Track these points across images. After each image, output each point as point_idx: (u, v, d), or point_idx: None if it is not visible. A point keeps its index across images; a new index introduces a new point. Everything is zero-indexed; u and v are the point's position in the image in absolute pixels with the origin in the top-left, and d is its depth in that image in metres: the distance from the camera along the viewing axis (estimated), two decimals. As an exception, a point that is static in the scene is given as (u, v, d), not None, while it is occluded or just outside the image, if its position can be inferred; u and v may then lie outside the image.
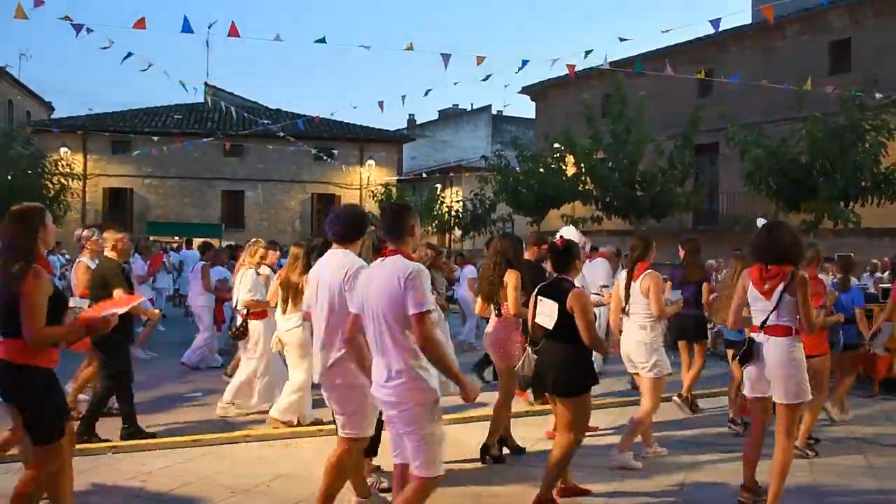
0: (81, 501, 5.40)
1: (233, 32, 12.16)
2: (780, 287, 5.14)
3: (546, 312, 5.40)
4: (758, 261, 5.31)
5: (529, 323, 5.75)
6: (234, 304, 8.82)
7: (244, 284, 8.34)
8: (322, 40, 12.83)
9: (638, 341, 6.65)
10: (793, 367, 5.15)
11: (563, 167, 23.74)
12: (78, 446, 6.66)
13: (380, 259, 4.27)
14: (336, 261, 4.81)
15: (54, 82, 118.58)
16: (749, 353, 5.29)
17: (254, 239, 9.02)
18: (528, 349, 5.66)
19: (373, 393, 4.22)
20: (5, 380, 4.22)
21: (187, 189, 33.82)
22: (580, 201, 22.81)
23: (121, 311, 4.83)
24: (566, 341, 5.31)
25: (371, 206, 32.73)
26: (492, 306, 6.71)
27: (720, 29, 11.70)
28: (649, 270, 6.80)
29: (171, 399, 9.07)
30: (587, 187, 22.10)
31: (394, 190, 32.79)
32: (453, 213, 32.36)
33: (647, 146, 20.44)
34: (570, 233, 7.21)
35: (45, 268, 4.33)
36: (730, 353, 7.97)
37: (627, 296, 6.85)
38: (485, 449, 6.54)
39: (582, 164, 21.76)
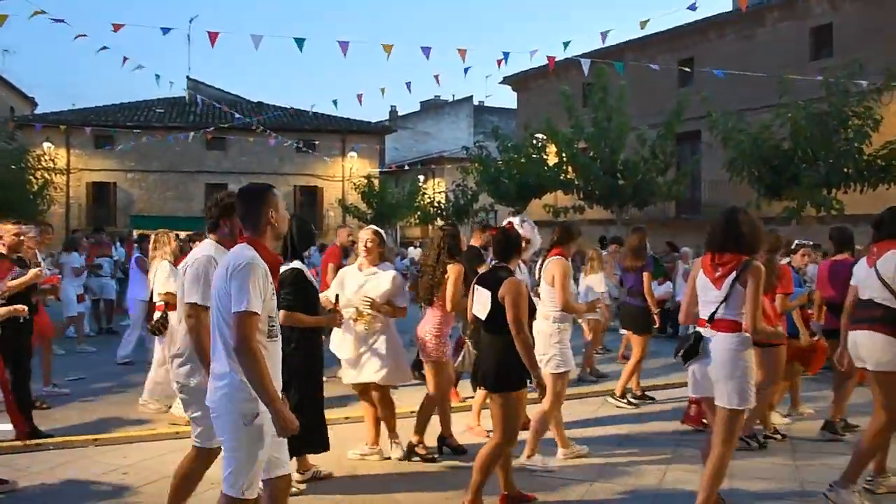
0: (58, 494, 5.52)
1: (212, 38, 12.33)
2: (732, 276, 4.68)
3: (481, 302, 5.13)
4: (711, 248, 4.86)
5: (468, 314, 5.49)
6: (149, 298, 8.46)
7: (160, 276, 7.94)
8: (301, 41, 12.79)
9: (538, 331, 6.09)
10: (737, 368, 4.64)
11: (545, 157, 23.87)
12: (61, 439, 6.92)
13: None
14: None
15: (38, 78, 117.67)
16: (694, 349, 4.78)
17: (163, 230, 8.79)
18: (468, 344, 5.56)
19: None
20: None
21: (170, 182, 33.87)
22: (562, 191, 22.91)
23: None
24: (499, 333, 5.01)
25: (354, 198, 32.94)
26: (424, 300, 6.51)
27: (701, 17, 11.84)
28: (557, 257, 6.41)
29: (128, 394, 8.90)
30: (569, 177, 22.13)
31: (376, 181, 32.93)
32: (436, 204, 32.53)
33: (628, 135, 20.47)
34: (517, 224, 6.66)
35: None
36: None
37: (536, 283, 6.54)
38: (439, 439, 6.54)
39: (563, 154, 21.81)
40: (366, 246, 6.36)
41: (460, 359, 5.73)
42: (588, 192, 21.47)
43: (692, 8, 11.43)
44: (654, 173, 20.67)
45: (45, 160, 27.26)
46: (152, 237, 8.24)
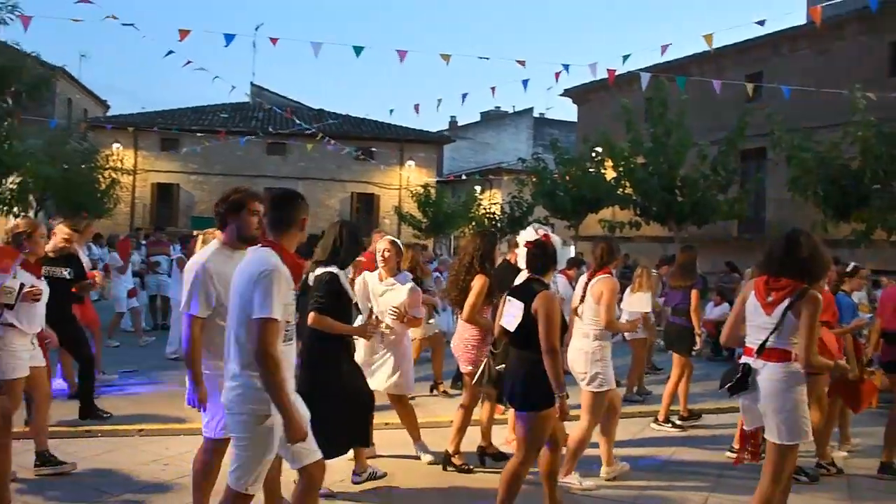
0: (103, 479, 5.68)
1: (274, 41, 12.63)
2: (786, 303, 4.42)
3: (511, 313, 4.92)
4: (767, 271, 4.62)
5: (495, 327, 5.33)
6: None
7: None
8: (359, 48, 12.96)
9: (578, 349, 6.10)
10: (787, 401, 4.41)
11: (603, 171, 23.65)
12: (109, 427, 7.12)
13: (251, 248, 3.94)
14: None
15: (111, 82, 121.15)
16: (743, 384, 4.52)
17: (210, 230, 8.74)
18: (489, 359, 5.36)
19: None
20: None
21: (231, 185, 34.36)
22: (619, 206, 22.63)
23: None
24: (528, 348, 4.81)
25: (410, 207, 33.09)
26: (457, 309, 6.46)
27: (773, 31, 11.45)
28: (607, 276, 6.26)
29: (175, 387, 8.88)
30: (626, 192, 21.79)
31: (433, 191, 33.05)
32: (490, 215, 32.48)
33: (688, 150, 19.99)
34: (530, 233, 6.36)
35: None
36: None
37: (583, 298, 6.32)
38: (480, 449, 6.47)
39: (620, 168, 21.48)
40: (383, 256, 6.39)
41: (478, 375, 5.52)
42: (645, 209, 21.10)
43: (760, 23, 11.22)
44: (714, 190, 20.14)
45: (113, 160, 27.99)
46: (200, 237, 8.31)
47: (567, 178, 24.48)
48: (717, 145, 20.32)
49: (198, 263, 4.37)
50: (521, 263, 5.23)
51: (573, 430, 6.04)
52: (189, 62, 14.53)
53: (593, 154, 23.90)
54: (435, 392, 9.44)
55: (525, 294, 4.92)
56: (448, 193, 34.85)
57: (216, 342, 4.18)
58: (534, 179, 26.31)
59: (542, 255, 5.06)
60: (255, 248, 3.83)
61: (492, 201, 35.32)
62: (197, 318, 4.29)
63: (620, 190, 22.02)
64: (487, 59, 13.43)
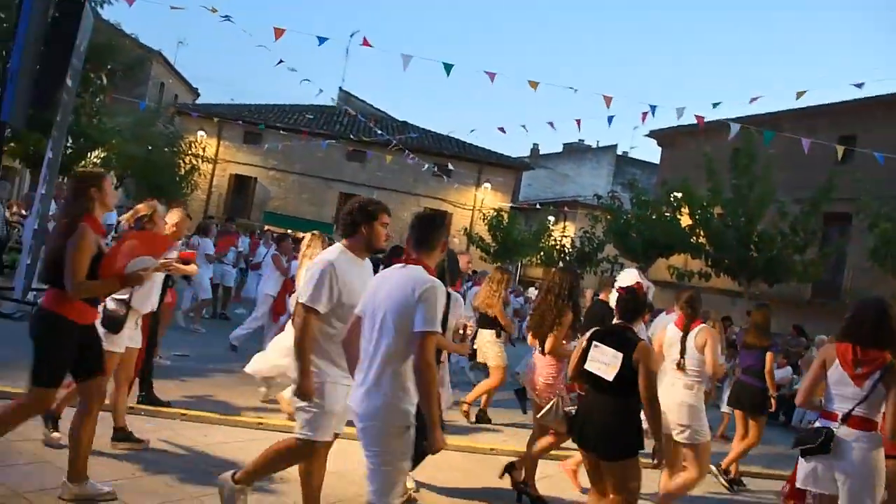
0: (140, 459, 5.69)
1: (365, 44, 12.72)
2: (877, 375, 4.47)
3: (604, 361, 4.84)
4: (852, 340, 4.60)
5: (573, 366, 5.16)
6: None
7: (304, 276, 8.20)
8: (449, 66, 12.93)
9: (681, 402, 6.06)
10: (877, 475, 4.47)
11: (679, 217, 23.30)
12: (151, 407, 7.17)
13: (398, 265, 4.02)
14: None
15: (204, 71, 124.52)
16: (825, 448, 4.54)
17: (315, 231, 8.74)
18: (560, 397, 5.33)
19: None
20: (35, 324, 4.64)
21: (307, 186, 34.92)
22: (690, 254, 22.26)
23: (153, 263, 5.11)
24: (620, 396, 4.79)
25: (480, 229, 33.03)
26: (537, 341, 6.41)
27: (867, 95, 11.31)
28: (705, 326, 6.38)
29: (224, 377, 9.22)
30: (700, 240, 21.49)
31: (505, 216, 32.92)
32: (559, 247, 32.21)
33: (769, 206, 19.60)
34: (629, 276, 6.41)
35: (95, 229, 4.70)
36: None
37: (683, 349, 6.23)
38: (519, 487, 6.29)
39: (697, 216, 21.21)
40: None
41: (546, 410, 5.42)
42: (717, 260, 20.69)
43: (859, 86, 10.94)
44: (791, 250, 19.67)
45: (195, 146, 28.58)
46: (307, 237, 8.35)
47: (641, 219, 24.17)
48: (800, 204, 19.87)
49: (326, 261, 4.34)
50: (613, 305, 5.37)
51: (677, 478, 6.09)
52: (281, 61, 14.77)
53: (671, 198, 23.56)
54: (476, 419, 9.23)
55: (621, 343, 4.86)
56: (521, 220, 34.70)
57: (320, 341, 4.27)
58: (608, 217, 26.05)
59: (633, 303, 5.12)
60: (406, 265, 3.93)
61: (563, 234, 35.07)
62: (314, 311, 4.24)
63: (694, 238, 21.66)
64: (575, 90, 13.33)
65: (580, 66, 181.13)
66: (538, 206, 36.91)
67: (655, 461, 4.83)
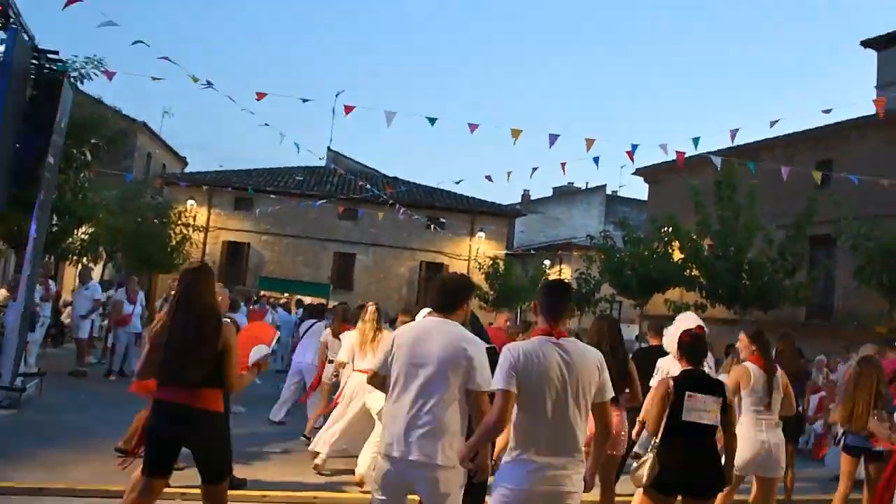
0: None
1: (347, 110, 12.72)
2: None
3: (705, 409, 5.09)
4: None
5: (657, 418, 5.21)
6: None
7: (345, 343, 8.79)
8: (433, 119, 13.03)
9: (777, 442, 6.33)
10: None
11: (670, 251, 23.31)
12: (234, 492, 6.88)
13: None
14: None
15: (190, 139, 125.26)
16: None
17: (374, 303, 8.87)
18: (654, 452, 5.14)
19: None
20: (209, 427, 4.63)
21: (301, 248, 34.85)
22: (684, 287, 22.24)
23: (268, 350, 5.24)
24: (713, 437, 5.17)
25: (477, 278, 32.87)
26: None
27: (840, 119, 11.51)
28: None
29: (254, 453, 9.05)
30: (693, 273, 21.52)
31: (502, 263, 32.81)
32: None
33: (756, 234, 19.77)
34: (689, 320, 6.64)
35: None
36: (846, 460, 7.39)
37: (770, 390, 6.36)
38: None
39: (686, 250, 21.27)
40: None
41: (642, 467, 5.14)
42: (711, 291, 20.73)
43: (827, 112, 11.07)
44: (780, 275, 19.83)
45: (185, 216, 28.46)
46: (370, 308, 8.48)
47: (634, 256, 24.13)
48: (785, 229, 20.08)
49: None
50: (669, 348, 5.96)
51: None
52: (267, 125, 14.76)
53: (661, 234, 23.56)
54: None
55: (712, 388, 5.19)
56: (517, 266, 34.59)
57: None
58: (602, 256, 26.00)
59: (703, 346, 5.39)
60: (571, 339, 4.12)
61: (560, 276, 34.91)
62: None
63: (687, 271, 21.69)
64: (557, 135, 13.22)
65: (565, 108, 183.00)
66: (533, 252, 36.79)
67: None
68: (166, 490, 6.71)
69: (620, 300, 28.55)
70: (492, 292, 31.62)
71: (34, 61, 10.04)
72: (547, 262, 36.28)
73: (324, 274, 34.33)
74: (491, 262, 32.37)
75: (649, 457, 5.12)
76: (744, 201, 19.83)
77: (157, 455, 4.66)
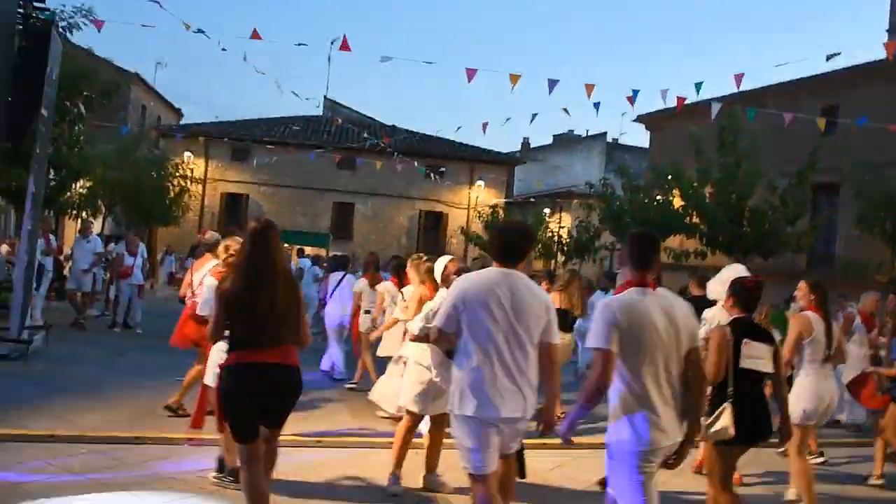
0: (139, 488, 5.61)
1: (344, 47, 12.54)
2: None
3: (759, 356, 5.10)
4: None
5: (718, 365, 5.09)
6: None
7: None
8: (429, 64, 12.93)
9: (836, 389, 6.62)
10: None
11: (671, 199, 23.19)
12: (158, 434, 6.95)
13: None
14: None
15: (185, 90, 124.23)
16: None
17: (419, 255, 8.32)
18: (730, 403, 5.03)
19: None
20: (297, 384, 4.66)
21: (300, 198, 34.74)
22: (685, 235, 22.18)
23: None
24: (764, 383, 5.23)
25: (476, 227, 32.85)
26: None
27: (849, 64, 11.33)
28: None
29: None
30: (693, 221, 21.46)
31: (501, 212, 32.74)
32: (557, 238, 32.04)
33: (758, 181, 19.60)
34: (738, 269, 6.83)
35: None
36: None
37: (831, 341, 6.36)
38: None
39: (688, 197, 21.18)
40: None
41: (717, 420, 5.02)
42: (711, 238, 20.68)
43: (831, 57, 10.84)
44: (782, 222, 19.74)
45: (183, 168, 28.34)
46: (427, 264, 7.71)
47: (634, 204, 24.04)
48: (788, 177, 19.89)
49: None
50: (716, 296, 6.43)
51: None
52: (263, 73, 14.63)
53: (662, 181, 23.41)
54: None
55: (765, 336, 5.22)
56: (517, 215, 34.50)
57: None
58: (602, 204, 25.91)
59: (758, 295, 5.36)
60: (662, 289, 4.07)
61: (560, 225, 34.87)
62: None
63: (687, 219, 21.57)
64: (557, 81, 13.06)
65: (566, 55, 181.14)
66: (533, 200, 36.67)
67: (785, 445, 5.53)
68: (174, 435, 6.89)
69: (620, 248, 28.56)
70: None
71: (20, 10, 9.86)
72: (547, 211, 36.18)
73: (323, 224, 34.28)
74: (490, 210, 32.30)
75: (726, 407, 4.99)
76: (746, 148, 19.62)
77: (250, 418, 4.55)
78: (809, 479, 6.10)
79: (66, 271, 18.27)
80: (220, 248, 6.27)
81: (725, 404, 4.97)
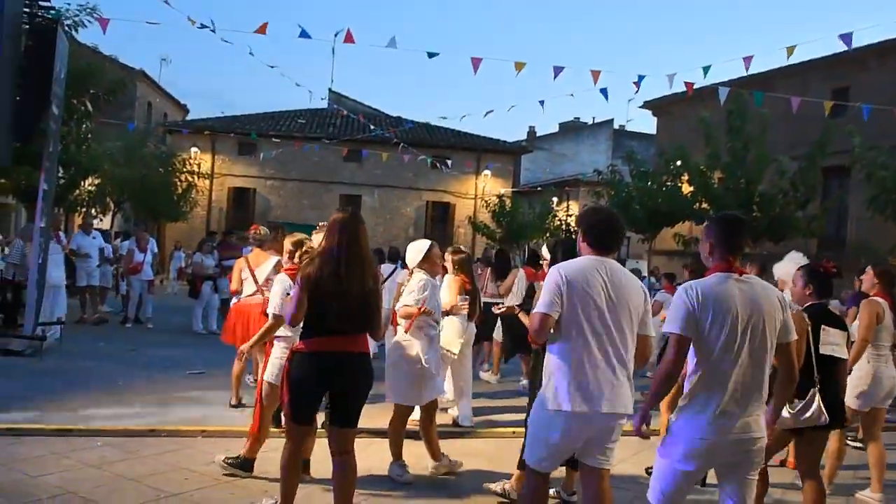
0: (162, 478, 5.58)
1: (348, 40, 12.55)
2: None
3: (836, 343, 5.15)
4: None
5: (801, 353, 4.93)
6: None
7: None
8: (433, 54, 12.90)
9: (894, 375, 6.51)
10: None
11: (679, 185, 23.12)
12: (171, 427, 7.02)
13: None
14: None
15: (191, 86, 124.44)
16: None
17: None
18: (817, 388, 5.00)
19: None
20: (369, 371, 4.69)
21: (307, 191, 34.79)
22: (694, 221, 22.12)
23: None
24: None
25: (485, 217, 32.87)
26: None
27: (859, 45, 11.18)
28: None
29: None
30: (702, 206, 21.38)
31: (508, 201, 32.74)
32: (565, 226, 32.03)
33: (767, 166, 19.48)
34: (799, 258, 6.85)
35: None
36: None
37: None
38: None
39: (696, 183, 21.08)
40: None
41: (813, 407, 5.00)
42: (720, 224, 20.57)
43: (847, 41, 10.63)
44: (792, 206, 19.67)
45: (190, 164, 28.43)
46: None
47: (642, 191, 24.00)
48: (798, 161, 19.74)
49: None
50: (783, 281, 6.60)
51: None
52: (272, 66, 14.62)
53: (670, 167, 23.36)
54: None
55: (837, 322, 5.26)
56: (524, 204, 34.49)
57: None
58: (610, 192, 25.88)
59: (832, 282, 5.32)
60: (752, 276, 3.87)
61: (568, 213, 34.85)
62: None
63: (696, 205, 21.50)
64: (562, 68, 13.03)
65: (572, 43, 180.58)
66: (540, 188, 36.59)
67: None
68: (187, 428, 6.96)
69: (629, 235, 28.55)
70: (499, 230, 31.61)
71: (26, 10, 9.91)
72: (554, 199, 36.17)
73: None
74: (497, 199, 32.29)
75: (814, 393, 4.93)
76: (755, 132, 19.49)
77: (312, 403, 4.71)
78: (834, 459, 6.35)
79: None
80: (288, 243, 6.29)
81: (814, 390, 4.92)
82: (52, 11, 10.44)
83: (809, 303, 5.22)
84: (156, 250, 16.01)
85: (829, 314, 5.22)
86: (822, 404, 4.89)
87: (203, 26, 11.80)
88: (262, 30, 11.98)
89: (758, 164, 19.53)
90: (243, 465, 5.78)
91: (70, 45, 11.47)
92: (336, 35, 20.10)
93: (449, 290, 7.44)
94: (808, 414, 4.90)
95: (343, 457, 4.65)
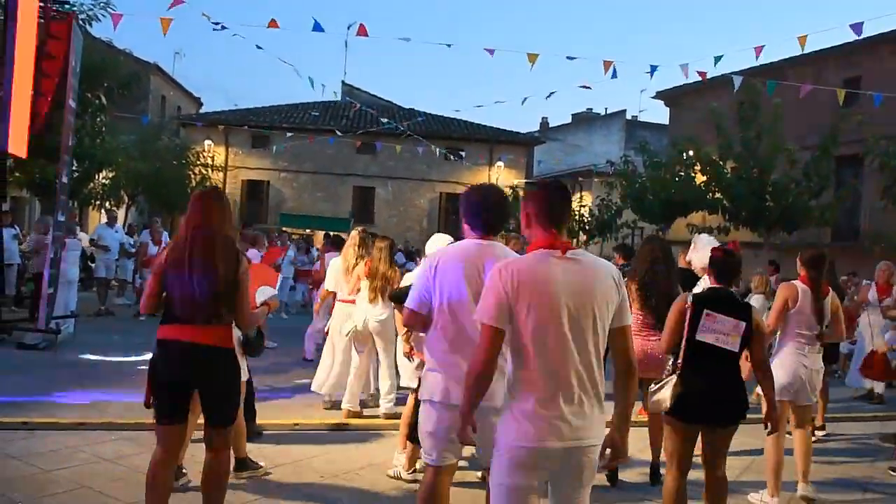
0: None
1: (362, 33, 12.54)
2: None
3: (724, 332, 4.60)
4: None
5: (672, 337, 4.83)
6: None
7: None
8: (448, 46, 12.89)
9: (821, 368, 6.12)
10: None
11: (693, 175, 23.06)
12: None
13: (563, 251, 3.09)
14: None
15: (205, 80, 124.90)
16: None
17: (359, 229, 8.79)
18: (676, 374, 4.73)
19: (558, 429, 2.98)
20: (225, 366, 4.25)
21: (320, 183, 34.86)
22: (707, 211, 22.07)
23: (273, 292, 5.34)
24: (736, 363, 4.68)
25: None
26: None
27: (871, 34, 11.07)
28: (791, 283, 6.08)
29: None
30: (715, 196, 21.32)
31: (521, 192, 32.62)
32: (579, 217, 31.92)
33: (780, 155, 19.40)
34: (711, 242, 6.69)
35: None
36: None
37: (822, 318, 5.93)
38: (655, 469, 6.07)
39: (708, 173, 21.02)
40: None
41: (665, 389, 4.74)
42: (734, 214, 20.53)
43: (857, 30, 10.55)
44: (806, 196, 19.59)
45: (204, 157, 28.52)
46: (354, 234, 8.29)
47: (655, 181, 23.94)
48: (811, 150, 19.63)
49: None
50: (700, 266, 6.29)
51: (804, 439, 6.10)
52: (286, 62, 14.64)
53: (683, 157, 23.29)
54: None
55: (737, 309, 4.71)
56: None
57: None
58: (623, 182, 25.81)
59: (734, 264, 4.87)
60: (580, 251, 3.16)
61: (581, 204, 34.76)
62: None
63: (710, 195, 21.45)
64: (574, 58, 13.00)
65: (587, 34, 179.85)
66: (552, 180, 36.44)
67: (770, 427, 4.88)
68: (200, 421, 6.92)
69: (642, 226, 28.43)
70: (512, 221, 31.53)
71: (40, 3, 9.94)
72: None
73: (344, 208, 34.39)
74: (511, 191, 32.19)
75: (671, 379, 4.68)
76: (767, 122, 19.40)
77: (166, 398, 4.23)
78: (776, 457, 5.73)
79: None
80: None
81: (673, 376, 4.71)
82: (66, 6, 10.47)
83: (709, 286, 4.98)
84: (170, 243, 16.05)
85: (723, 300, 4.72)
86: (673, 393, 4.60)
87: (216, 24, 11.83)
88: (273, 24, 12.01)
89: (770, 153, 19.49)
90: (241, 467, 5.68)
91: (84, 40, 11.50)
92: (349, 27, 20.25)
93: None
94: (657, 396, 4.72)
95: (208, 455, 4.35)
